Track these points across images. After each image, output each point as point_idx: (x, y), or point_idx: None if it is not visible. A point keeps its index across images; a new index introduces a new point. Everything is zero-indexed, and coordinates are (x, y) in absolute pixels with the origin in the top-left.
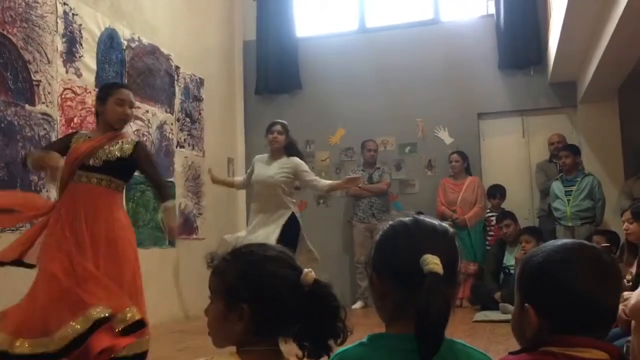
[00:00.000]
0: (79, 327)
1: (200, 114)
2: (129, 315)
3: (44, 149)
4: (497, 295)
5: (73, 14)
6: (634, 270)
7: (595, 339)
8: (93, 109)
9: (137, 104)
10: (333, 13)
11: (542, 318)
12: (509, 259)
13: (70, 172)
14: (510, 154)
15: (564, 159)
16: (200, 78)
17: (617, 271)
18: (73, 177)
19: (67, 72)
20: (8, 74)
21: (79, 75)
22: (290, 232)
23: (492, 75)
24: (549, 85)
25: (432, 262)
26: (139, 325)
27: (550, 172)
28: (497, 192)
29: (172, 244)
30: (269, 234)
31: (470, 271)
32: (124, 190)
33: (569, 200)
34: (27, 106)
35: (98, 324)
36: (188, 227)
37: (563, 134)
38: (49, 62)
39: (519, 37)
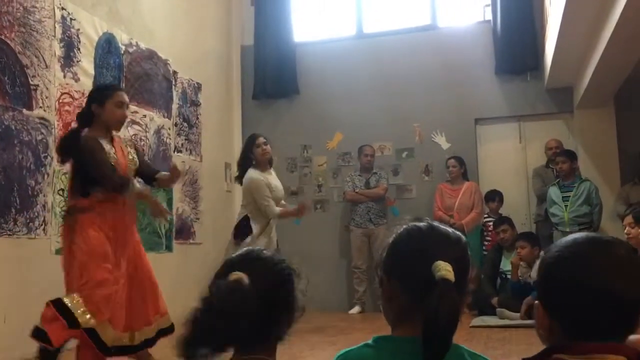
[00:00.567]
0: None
1: (197, 118)
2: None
3: (112, 170)
4: (495, 300)
5: (71, 19)
6: None
7: (612, 343)
8: (81, 110)
9: (135, 108)
10: (331, 18)
11: (555, 319)
12: (506, 264)
13: None
14: (507, 159)
15: (560, 164)
16: (197, 83)
17: (636, 262)
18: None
19: (64, 76)
20: (6, 78)
21: (77, 80)
22: None
23: (489, 80)
24: (546, 91)
25: (444, 269)
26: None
27: (547, 177)
28: (495, 195)
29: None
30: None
31: (471, 275)
32: None
33: (566, 205)
34: (24, 111)
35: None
36: (185, 231)
37: (560, 139)
38: (46, 67)
39: (516, 43)
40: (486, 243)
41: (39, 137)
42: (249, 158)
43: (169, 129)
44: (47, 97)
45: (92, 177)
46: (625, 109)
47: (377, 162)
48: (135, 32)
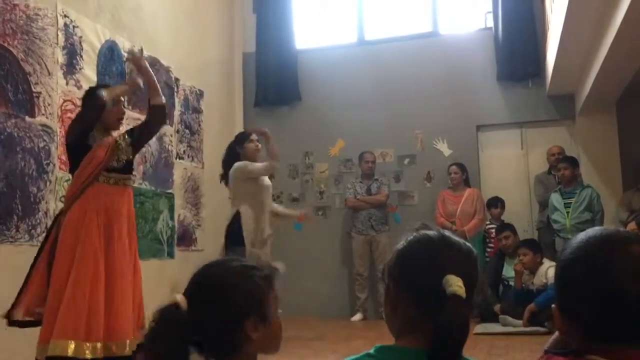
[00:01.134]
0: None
1: (199, 125)
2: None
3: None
4: (497, 307)
5: (74, 26)
6: None
7: None
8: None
9: (137, 115)
10: (332, 25)
11: (572, 322)
12: (509, 271)
13: (96, 175)
14: (509, 166)
15: (562, 170)
16: (199, 90)
17: None
18: (94, 180)
19: (67, 84)
20: (8, 85)
21: (79, 87)
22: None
23: (490, 87)
24: (548, 98)
25: (456, 285)
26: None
27: (549, 184)
28: (497, 202)
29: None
30: None
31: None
32: None
33: (568, 212)
34: (27, 118)
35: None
36: (187, 238)
37: (562, 146)
38: (49, 74)
39: (517, 50)
40: (488, 250)
41: (42, 145)
42: (236, 153)
43: (171, 135)
44: (49, 105)
45: None
46: (627, 115)
47: (379, 168)
48: (137, 40)
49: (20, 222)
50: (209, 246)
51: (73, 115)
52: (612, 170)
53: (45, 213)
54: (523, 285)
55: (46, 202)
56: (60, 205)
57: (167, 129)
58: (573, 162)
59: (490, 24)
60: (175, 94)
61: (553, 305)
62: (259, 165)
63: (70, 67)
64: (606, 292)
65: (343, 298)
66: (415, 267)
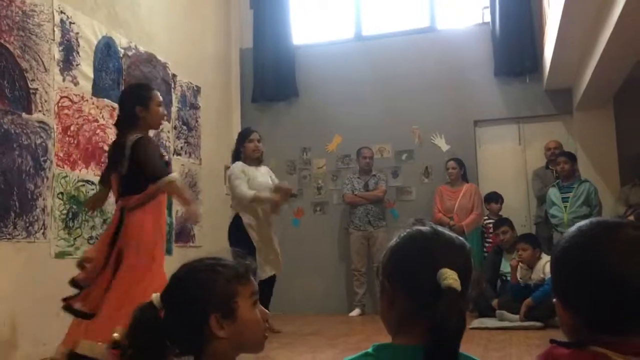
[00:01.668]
0: None
1: (197, 121)
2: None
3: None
4: (495, 302)
5: (70, 22)
6: None
7: None
8: (123, 114)
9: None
10: (330, 21)
11: (572, 313)
12: (506, 266)
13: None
14: (507, 161)
15: (562, 164)
16: (197, 86)
17: None
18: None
19: (64, 80)
20: (5, 82)
21: (76, 84)
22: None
23: (488, 82)
24: (545, 93)
25: (451, 278)
26: None
27: (546, 179)
28: (495, 197)
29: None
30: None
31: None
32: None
33: (566, 207)
34: (23, 114)
35: None
36: (184, 234)
37: (559, 141)
38: (45, 71)
39: (515, 45)
40: (487, 245)
41: (38, 141)
42: (238, 151)
43: (169, 132)
44: (46, 101)
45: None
46: (624, 110)
47: (377, 164)
48: (134, 36)
49: (17, 219)
50: (207, 242)
51: (70, 112)
52: (610, 165)
53: (43, 210)
54: (521, 280)
55: (43, 199)
56: (58, 202)
57: (164, 126)
58: (571, 157)
59: (488, 19)
60: (172, 90)
61: (555, 300)
62: (244, 191)
63: (67, 63)
64: (602, 277)
65: (341, 294)
66: (409, 263)
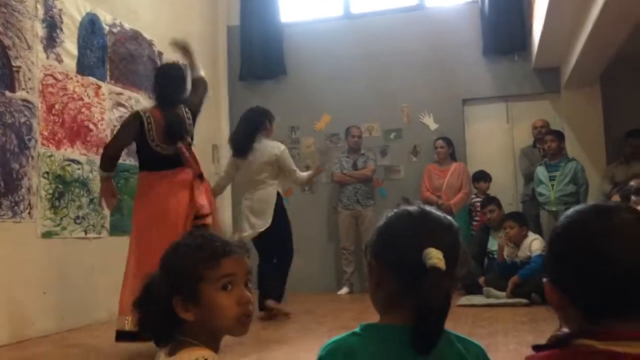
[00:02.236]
0: None
1: None
2: None
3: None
4: (482, 279)
5: None
6: None
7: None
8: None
9: (120, 90)
10: None
11: (568, 296)
12: (494, 244)
13: None
14: (495, 139)
15: (549, 142)
16: (183, 64)
17: None
18: None
19: (47, 57)
20: None
21: (60, 61)
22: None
23: (476, 61)
24: (533, 71)
25: (436, 257)
26: None
27: (533, 157)
28: (483, 176)
29: None
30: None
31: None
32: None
33: (552, 185)
34: (7, 93)
35: None
36: None
37: (547, 119)
38: (29, 48)
39: (503, 23)
40: (474, 223)
41: (23, 120)
42: (257, 127)
43: None
44: (29, 79)
45: None
46: (611, 89)
47: (365, 143)
48: (119, 13)
49: (3, 198)
50: None
51: (55, 90)
52: (597, 144)
53: (28, 189)
54: (507, 258)
55: (29, 179)
56: (44, 181)
57: (151, 104)
58: (559, 135)
59: None
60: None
61: (545, 280)
62: (303, 175)
63: (51, 40)
64: (597, 261)
65: (330, 272)
66: (396, 243)
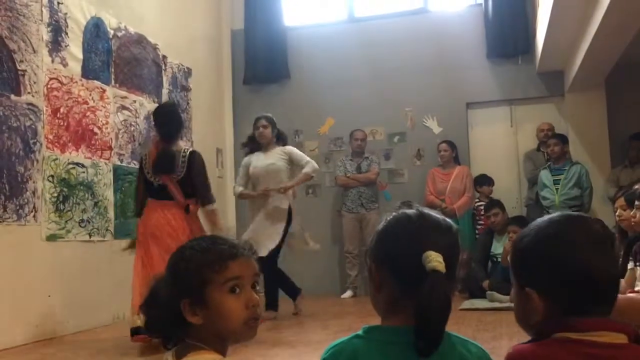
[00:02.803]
0: None
1: (188, 104)
2: None
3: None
4: (486, 283)
5: (58, 3)
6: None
7: (611, 321)
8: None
9: (124, 94)
10: (322, 2)
11: (549, 301)
12: (497, 248)
13: None
14: (499, 143)
15: (552, 146)
16: (187, 68)
17: (612, 238)
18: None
19: (52, 61)
20: None
21: (65, 65)
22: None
23: (480, 64)
24: (537, 75)
25: (435, 260)
26: None
27: (538, 161)
28: (485, 180)
29: None
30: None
31: (461, 261)
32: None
33: (557, 188)
34: (12, 96)
35: None
36: None
37: (551, 123)
38: (34, 52)
39: (507, 27)
40: (478, 227)
41: (28, 123)
42: (252, 136)
43: None
44: (35, 83)
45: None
46: (616, 92)
47: (369, 146)
48: (123, 16)
49: (7, 201)
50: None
51: (59, 94)
52: (601, 147)
53: (33, 192)
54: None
55: (34, 182)
56: (48, 184)
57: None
58: (563, 139)
59: (480, 0)
60: (163, 71)
61: (528, 289)
62: (234, 187)
63: (56, 44)
64: (571, 267)
65: (334, 276)
66: (396, 246)
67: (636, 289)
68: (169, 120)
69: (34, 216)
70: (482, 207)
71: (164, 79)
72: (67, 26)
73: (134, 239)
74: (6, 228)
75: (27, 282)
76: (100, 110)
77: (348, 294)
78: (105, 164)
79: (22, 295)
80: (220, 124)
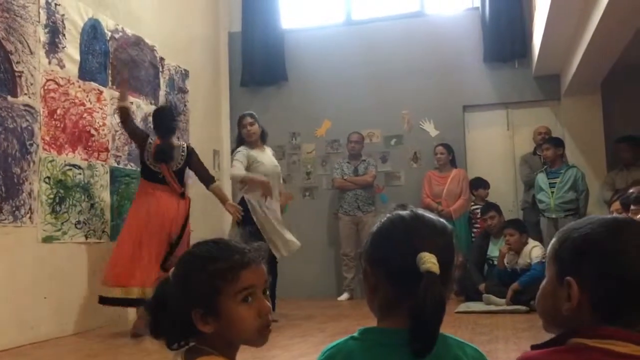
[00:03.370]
0: None
1: (185, 105)
2: None
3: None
4: (482, 286)
5: (55, 4)
6: None
7: (636, 334)
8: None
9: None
10: (319, 5)
11: (585, 297)
12: (493, 251)
13: None
14: (495, 146)
15: (545, 151)
16: (185, 70)
17: None
18: None
19: (49, 63)
20: None
21: (62, 67)
22: None
23: (477, 68)
24: (534, 78)
25: (430, 262)
26: None
27: (534, 164)
28: (482, 183)
29: None
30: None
31: (457, 263)
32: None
33: (552, 192)
34: (9, 98)
35: None
36: None
37: (547, 126)
38: (31, 53)
39: (504, 30)
40: (475, 230)
41: (24, 125)
42: (240, 137)
43: None
44: (32, 84)
45: None
46: (612, 96)
47: (366, 149)
48: (121, 18)
49: (4, 203)
50: (198, 227)
51: (56, 95)
52: (597, 151)
53: (29, 194)
54: (508, 265)
55: (30, 183)
56: (45, 186)
57: (152, 109)
58: (556, 143)
59: (477, 4)
60: (160, 73)
61: (568, 279)
62: (235, 172)
63: (53, 45)
64: (621, 269)
65: (330, 278)
66: (390, 248)
67: None
68: (167, 120)
69: (30, 218)
70: (478, 210)
71: (161, 80)
72: (64, 28)
73: None
74: (2, 229)
75: (22, 284)
76: (97, 112)
77: (344, 296)
78: (102, 165)
79: (17, 296)
80: (217, 126)
